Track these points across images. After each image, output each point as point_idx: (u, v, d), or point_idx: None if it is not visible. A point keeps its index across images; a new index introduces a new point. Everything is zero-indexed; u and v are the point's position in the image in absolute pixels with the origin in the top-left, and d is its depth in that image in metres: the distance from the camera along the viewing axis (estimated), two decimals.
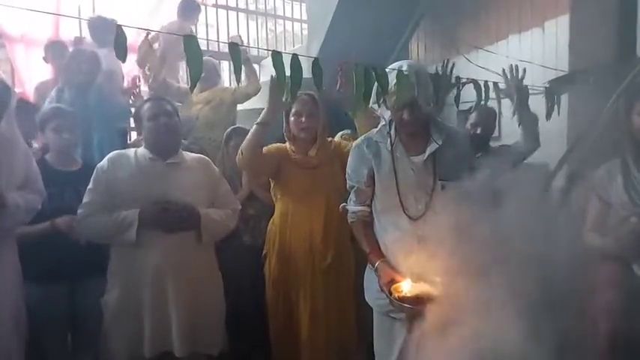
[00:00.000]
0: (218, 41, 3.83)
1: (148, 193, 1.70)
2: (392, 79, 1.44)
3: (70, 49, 2.90)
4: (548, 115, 1.95)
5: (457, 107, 1.60)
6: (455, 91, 1.69)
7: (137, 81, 2.78)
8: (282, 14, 5.42)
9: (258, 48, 4.46)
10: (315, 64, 1.28)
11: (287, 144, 2.08)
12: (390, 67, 1.48)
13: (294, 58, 1.23)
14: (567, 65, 2.44)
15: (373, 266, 1.57)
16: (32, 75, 3.31)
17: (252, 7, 5.26)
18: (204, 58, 1.23)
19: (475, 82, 1.65)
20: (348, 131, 2.51)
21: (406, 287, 1.49)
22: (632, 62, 1.99)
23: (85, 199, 1.74)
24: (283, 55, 1.23)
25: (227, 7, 4.80)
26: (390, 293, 1.46)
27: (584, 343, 1.66)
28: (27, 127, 1.95)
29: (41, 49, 3.13)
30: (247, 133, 2.33)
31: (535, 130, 2.03)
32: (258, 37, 5.13)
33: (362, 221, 1.65)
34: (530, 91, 1.95)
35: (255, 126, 1.87)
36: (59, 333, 1.92)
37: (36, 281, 1.72)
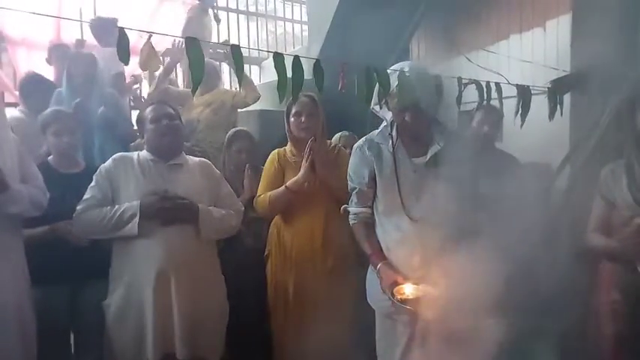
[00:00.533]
0: (218, 43, 3.83)
1: (149, 194, 1.71)
2: (393, 80, 1.44)
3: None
4: (551, 116, 1.94)
5: (459, 108, 1.60)
6: (457, 91, 1.68)
7: (136, 81, 2.79)
8: (282, 16, 5.43)
9: (259, 49, 4.46)
10: (317, 65, 1.28)
11: (287, 146, 2.08)
12: (391, 68, 1.48)
13: (296, 59, 1.23)
14: (569, 65, 2.43)
15: (375, 268, 1.57)
16: None
17: (252, 9, 5.26)
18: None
19: (477, 83, 1.64)
20: (347, 132, 2.51)
21: (408, 289, 1.48)
22: (634, 62, 1.98)
23: (85, 196, 1.75)
24: (284, 56, 1.23)
25: (227, 9, 4.81)
26: (393, 295, 1.46)
27: (588, 343, 1.65)
28: None
29: (43, 52, 3.14)
30: (249, 136, 2.36)
31: None
32: (258, 39, 5.14)
33: (363, 223, 1.65)
34: (532, 92, 1.94)
35: (284, 189, 1.95)
36: (61, 336, 1.92)
37: (38, 284, 1.71)
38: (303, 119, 1.97)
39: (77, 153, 2.08)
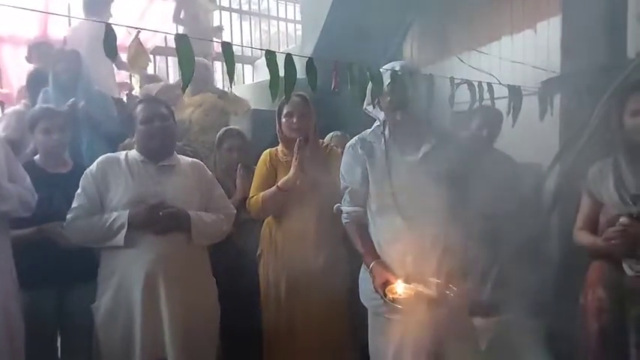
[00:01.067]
0: (211, 41, 3.81)
1: (138, 197, 1.67)
2: (386, 79, 1.44)
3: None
4: (542, 116, 1.96)
5: (452, 107, 1.61)
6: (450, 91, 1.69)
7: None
8: (275, 15, 5.41)
9: (252, 47, 4.44)
10: (310, 64, 1.27)
11: (278, 146, 2.07)
12: (383, 67, 1.48)
13: (289, 57, 1.22)
14: (559, 66, 2.46)
15: (368, 267, 1.57)
16: (20, 75, 3.25)
17: (245, 8, 5.24)
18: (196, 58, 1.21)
19: (469, 83, 1.65)
20: (339, 132, 2.51)
21: (400, 288, 1.48)
22: (622, 63, 2.01)
23: (73, 204, 1.70)
24: (277, 55, 1.22)
25: (220, 8, 4.78)
26: (385, 294, 1.46)
27: (573, 340, 1.67)
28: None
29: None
30: (240, 134, 2.34)
31: None
32: (251, 38, 5.12)
33: (356, 222, 1.65)
34: (522, 92, 1.96)
35: (276, 189, 1.95)
36: (48, 338, 1.89)
37: (24, 286, 1.69)
38: (294, 120, 1.96)
39: (65, 152, 2.04)
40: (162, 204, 1.65)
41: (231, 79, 1.25)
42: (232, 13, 5.01)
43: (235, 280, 2.08)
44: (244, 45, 4.66)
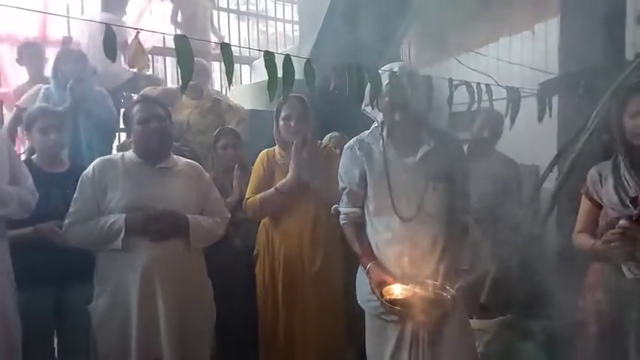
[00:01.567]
0: (210, 42, 3.80)
1: (135, 199, 1.66)
2: (384, 80, 1.44)
3: (57, 50, 2.85)
4: (540, 118, 1.97)
5: (450, 109, 1.61)
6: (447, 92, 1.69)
7: None
8: (273, 15, 5.41)
9: (249, 48, 4.44)
10: (308, 65, 1.27)
11: (275, 147, 2.07)
12: (382, 68, 1.48)
13: (287, 58, 1.22)
14: (557, 68, 2.46)
15: (365, 268, 1.57)
16: (19, 75, 3.24)
17: (242, 8, 5.24)
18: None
19: (467, 84, 1.65)
20: (337, 133, 2.51)
21: (397, 289, 1.48)
22: (621, 64, 2.01)
23: (71, 209, 1.69)
24: (275, 55, 1.22)
25: (218, 8, 4.78)
26: (382, 295, 1.46)
27: (572, 343, 1.67)
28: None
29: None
30: (234, 132, 2.34)
31: None
32: (249, 39, 5.11)
33: (354, 223, 1.65)
34: (520, 94, 1.96)
35: (274, 191, 1.94)
36: (45, 338, 1.88)
37: (22, 286, 1.68)
38: (292, 123, 1.95)
39: (62, 152, 2.04)
40: (161, 213, 1.64)
41: (230, 80, 1.25)
42: (230, 14, 5.00)
43: (232, 280, 2.08)
44: (242, 46, 4.65)
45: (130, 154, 1.77)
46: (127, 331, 1.63)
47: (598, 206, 1.58)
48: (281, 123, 1.99)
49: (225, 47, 1.17)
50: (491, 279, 2.05)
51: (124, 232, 1.60)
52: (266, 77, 1.26)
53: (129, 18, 3.50)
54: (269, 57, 1.20)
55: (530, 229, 2.08)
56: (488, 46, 3.06)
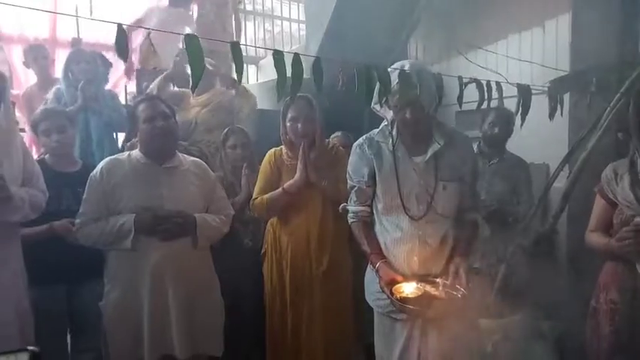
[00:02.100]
0: (217, 40, 3.80)
1: (143, 199, 1.68)
2: (393, 78, 1.43)
3: (68, 51, 2.87)
4: (551, 116, 1.94)
5: (460, 107, 1.59)
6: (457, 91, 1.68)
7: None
8: (279, 14, 5.40)
9: (256, 47, 4.44)
10: (316, 63, 1.26)
11: (282, 147, 2.06)
12: (392, 66, 1.47)
13: (296, 57, 1.21)
14: (568, 65, 2.43)
15: (374, 267, 1.56)
16: (30, 76, 3.28)
17: (248, 8, 5.24)
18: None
19: (478, 82, 1.64)
20: (339, 133, 2.51)
21: (407, 288, 1.48)
22: (635, 61, 1.98)
23: (80, 210, 1.72)
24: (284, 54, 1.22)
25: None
26: (392, 294, 1.45)
27: (584, 344, 1.65)
28: None
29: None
30: (242, 131, 2.34)
31: None
32: (255, 38, 5.11)
33: (362, 222, 1.64)
34: (531, 91, 1.94)
35: (281, 191, 1.95)
36: (58, 335, 1.91)
37: (35, 283, 1.70)
38: (299, 125, 1.94)
39: (71, 151, 2.06)
40: (169, 214, 1.66)
41: (240, 79, 1.24)
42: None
43: (240, 277, 2.09)
44: (248, 44, 4.65)
45: (136, 153, 1.78)
46: (139, 328, 1.66)
47: (612, 205, 1.56)
48: (288, 124, 1.98)
49: (235, 47, 1.17)
50: (501, 279, 2.04)
51: (133, 232, 1.62)
52: (272, 77, 1.26)
53: (136, 17, 3.52)
54: (278, 56, 1.19)
55: (541, 228, 2.06)
56: (497, 44, 3.02)
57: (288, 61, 1.21)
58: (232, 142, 2.29)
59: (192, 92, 2.04)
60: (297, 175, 1.92)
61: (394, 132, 1.58)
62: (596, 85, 2.03)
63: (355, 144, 1.68)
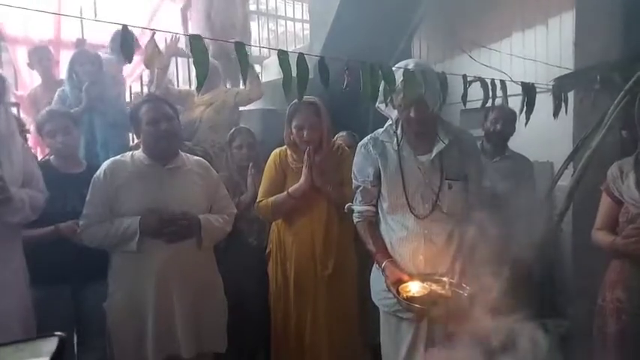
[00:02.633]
0: (220, 40, 3.81)
1: (147, 200, 1.68)
2: (398, 77, 1.43)
3: (72, 52, 2.89)
4: (556, 114, 1.93)
5: (464, 105, 1.59)
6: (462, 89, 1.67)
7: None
8: (283, 14, 5.40)
9: (260, 47, 4.44)
10: (321, 63, 1.27)
11: (286, 148, 2.05)
12: (396, 65, 1.47)
13: (301, 57, 1.22)
14: (572, 63, 2.42)
15: (380, 266, 1.56)
16: (35, 78, 3.30)
17: (252, 7, 5.24)
18: None
19: (482, 81, 1.63)
20: (344, 133, 2.51)
21: (414, 287, 1.48)
22: (639, 58, 1.97)
23: (84, 211, 1.72)
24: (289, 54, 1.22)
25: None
26: (398, 293, 1.45)
27: (590, 342, 1.65)
28: None
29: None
30: (249, 132, 2.35)
31: None
32: (259, 38, 5.12)
33: (368, 221, 1.64)
34: (536, 90, 1.93)
35: (286, 195, 1.94)
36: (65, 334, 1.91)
37: (39, 284, 1.71)
38: (305, 133, 1.91)
39: (75, 153, 2.06)
40: (174, 216, 1.66)
41: (245, 79, 1.25)
42: None
43: (245, 276, 2.09)
44: (253, 44, 4.65)
45: (139, 154, 1.77)
46: (143, 329, 1.66)
47: (618, 203, 1.56)
48: (294, 131, 1.95)
49: (240, 46, 1.17)
50: (505, 277, 2.03)
51: (138, 234, 1.62)
52: (277, 76, 1.26)
53: (141, 19, 3.54)
54: (283, 56, 1.20)
55: (546, 227, 2.05)
56: (501, 42, 3.01)
57: (292, 60, 1.21)
58: (238, 142, 2.30)
59: (197, 93, 2.04)
60: (302, 180, 1.91)
61: (399, 131, 1.58)
62: (601, 82, 2.02)
63: (360, 144, 1.68)
